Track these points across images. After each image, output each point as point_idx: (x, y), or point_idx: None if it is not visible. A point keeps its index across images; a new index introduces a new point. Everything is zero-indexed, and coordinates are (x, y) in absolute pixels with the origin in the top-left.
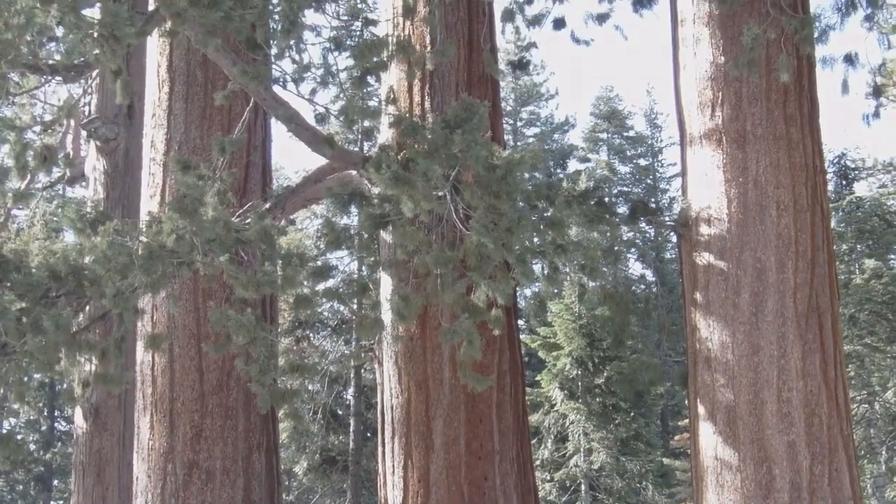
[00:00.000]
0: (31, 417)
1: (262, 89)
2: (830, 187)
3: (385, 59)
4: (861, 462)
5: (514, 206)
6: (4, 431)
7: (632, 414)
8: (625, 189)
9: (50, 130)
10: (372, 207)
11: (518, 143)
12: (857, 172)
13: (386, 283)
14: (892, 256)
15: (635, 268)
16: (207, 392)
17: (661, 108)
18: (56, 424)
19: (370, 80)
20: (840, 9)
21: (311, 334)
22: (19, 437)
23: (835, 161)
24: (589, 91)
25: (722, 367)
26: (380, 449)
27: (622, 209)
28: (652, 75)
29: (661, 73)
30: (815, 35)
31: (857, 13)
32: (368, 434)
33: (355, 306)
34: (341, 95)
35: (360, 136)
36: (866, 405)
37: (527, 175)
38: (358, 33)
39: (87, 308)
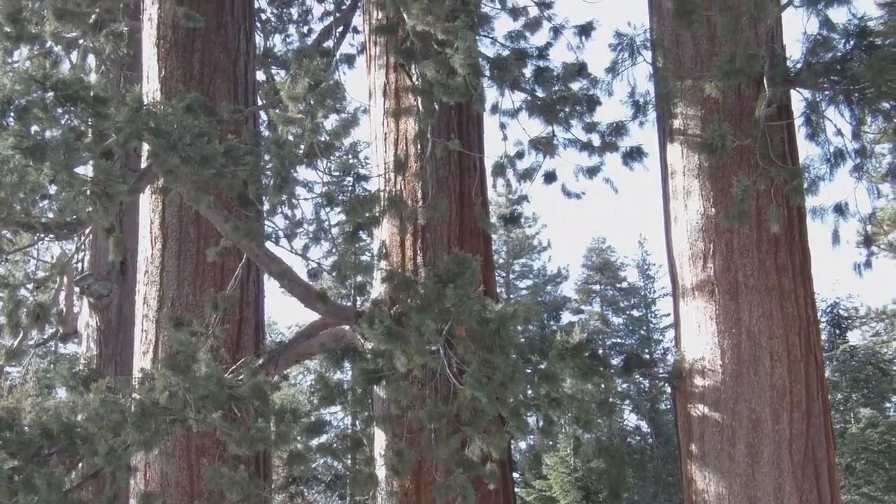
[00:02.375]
0: None
1: (255, 246)
2: (824, 336)
3: (377, 214)
4: None
5: (508, 360)
6: None
7: None
8: (618, 340)
9: (43, 287)
10: (365, 363)
11: (511, 296)
12: (850, 321)
13: (380, 439)
14: (888, 405)
15: (630, 419)
16: None
17: (653, 258)
18: None
19: (362, 235)
20: (829, 160)
21: (305, 490)
22: None
23: (828, 310)
24: (581, 242)
25: None
26: None
27: (616, 361)
28: (644, 226)
29: (653, 224)
30: (805, 186)
31: (847, 164)
32: None
33: (349, 462)
34: (334, 251)
35: (352, 292)
36: None
37: (520, 328)
38: (350, 189)
39: (80, 466)
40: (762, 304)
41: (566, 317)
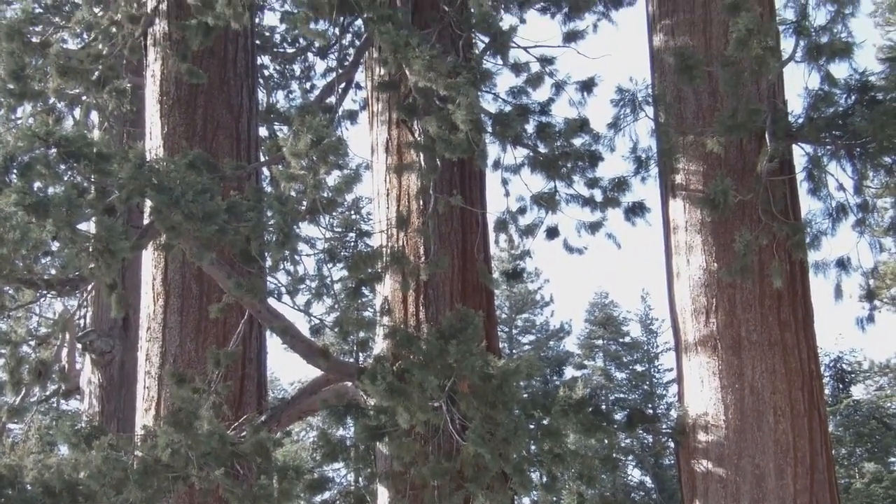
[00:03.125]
0: None
1: (257, 302)
2: (827, 391)
3: (379, 270)
4: None
5: (511, 416)
6: None
7: None
8: (621, 395)
9: (45, 344)
10: (368, 419)
11: (513, 352)
12: (853, 375)
13: (383, 496)
14: (892, 459)
15: (634, 475)
16: None
17: (656, 313)
18: None
19: (365, 291)
20: (831, 214)
21: None
22: None
23: (831, 364)
24: (584, 297)
25: None
26: None
27: (619, 416)
28: (646, 281)
29: (655, 278)
30: (807, 241)
31: (849, 218)
32: None
33: None
34: (336, 307)
35: (355, 348)
36: None
37: (523, 384)
38: (352, 245)
39: None
40: (765, 359)
41: (569, 372)
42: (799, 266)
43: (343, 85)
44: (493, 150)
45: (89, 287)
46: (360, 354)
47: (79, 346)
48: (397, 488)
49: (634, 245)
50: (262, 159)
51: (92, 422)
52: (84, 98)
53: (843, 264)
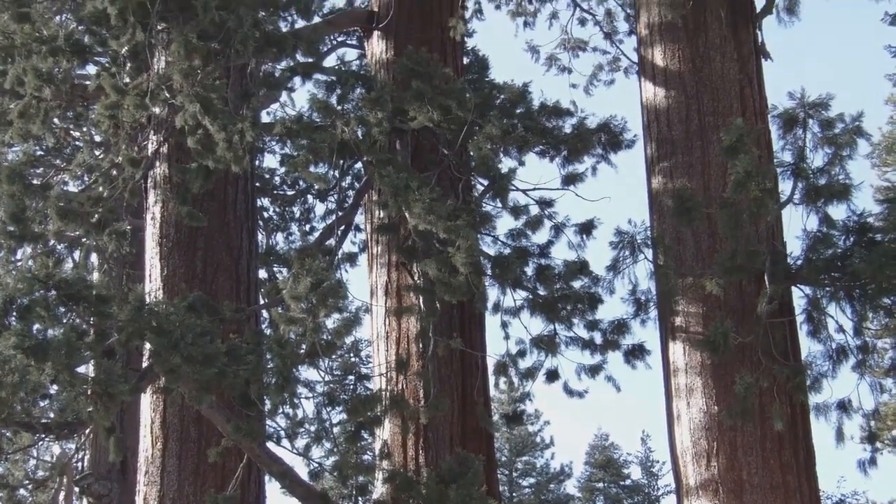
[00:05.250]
0: None
1: (256, 446)
2: None
3: (379, 413)
4: None
5: None
6: None
7: None
8: None
9: (42, 487)
10: None
11: (514, 495)
12: None
13: None
14: None
15: None
16: None
17: (657, 455)
18: None
19: (364, 434)
20: (831, 356)
21: None
22: None
23: None
24: (584, 439)
25: None
26: None
27: None
28: (647, 422)
29: (656, 420)
30: (808, 383)
31: (849, 360)
32: None
33: None
34: (335, 451)
35: (354, 492)
36: None
37: None
38: (351, 388)
39: None
40: (767, 502)
41: None
42: (800, 408)
43: (343, 227)
44: (492, 292)
45: (87, 430)
46: (360, 499)
47: (76, 489)
48: None
49: (635, 387)
50: (262, 302)
51: None
52: (84, 240)
53: (844, 407)
